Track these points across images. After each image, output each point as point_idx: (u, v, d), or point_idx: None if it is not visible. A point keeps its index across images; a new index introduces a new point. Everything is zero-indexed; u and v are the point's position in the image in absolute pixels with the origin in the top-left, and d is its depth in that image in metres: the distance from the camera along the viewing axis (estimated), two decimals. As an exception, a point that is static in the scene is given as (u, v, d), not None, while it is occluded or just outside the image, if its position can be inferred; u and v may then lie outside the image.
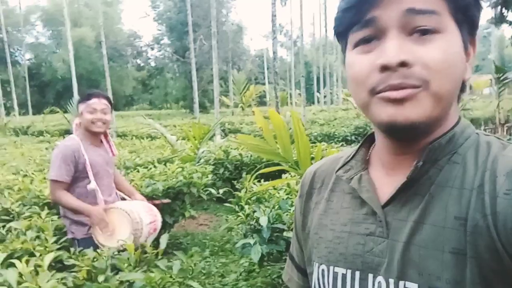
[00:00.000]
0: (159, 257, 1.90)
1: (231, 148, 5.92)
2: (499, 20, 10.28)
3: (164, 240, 1.93)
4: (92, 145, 2.49)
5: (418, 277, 0.53)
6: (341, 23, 0.58)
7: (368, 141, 0.69)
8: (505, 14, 10.14)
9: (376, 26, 0.53)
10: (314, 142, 7.59)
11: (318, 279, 0.65)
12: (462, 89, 0.59)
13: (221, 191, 3.95)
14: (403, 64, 0.51)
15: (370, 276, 0.58)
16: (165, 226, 3.58)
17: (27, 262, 1.64)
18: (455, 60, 0.53)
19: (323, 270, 0.65)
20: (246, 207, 2.64)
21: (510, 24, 10.42)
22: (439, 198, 0.54)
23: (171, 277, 1.66)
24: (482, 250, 0.49)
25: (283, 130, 2.04)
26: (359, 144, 0.70)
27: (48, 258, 1.67)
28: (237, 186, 3.60)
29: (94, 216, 2.29)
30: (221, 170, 5.55)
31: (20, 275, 1.58)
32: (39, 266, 1.66)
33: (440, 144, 0.56)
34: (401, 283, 0.54)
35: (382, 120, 0.54)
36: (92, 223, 2.30)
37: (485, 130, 9.64)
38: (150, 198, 3.03)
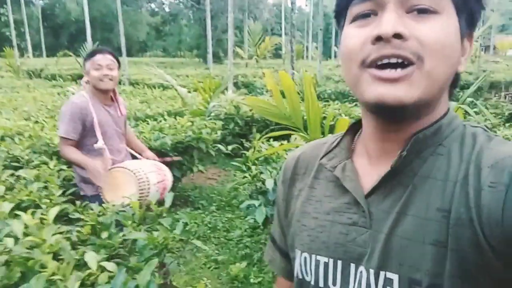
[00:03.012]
0: (164, 215, 1.91)
1: (242, 103, 5.85)
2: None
3: (168, 199, 1.93)
4: (101, 103, 2.46)
5: (398, 268, 0.53)
6: None
7: (353, 129, 0.68)
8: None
9: (376, 1, 0.53)
10: (327, 101, 7.45)
11: (301, 266, 0.66)
12: (455, 84, 0.59)
13: (230, 147, 3.92)
14: (398, 36, 0.50)
15: (352, 265, 0.58)
16: (174, 180, 3.60)
17: (32, 214, 1.66)
18: (451, 42, 0.52)
19: (305, 258, 0.65)
20: (253, 167, 2.61)
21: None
22: (422, 189, 0.54)
23: (174, 236, 1.67)
24: (465, 243, 0.49)
25: (293, 94, 1.96)
26: (343, 132, 0.69)
27: (53, 212, 1.68)
28: (245, 145, 3.56)
29: (89, 169, 2.28)
30: (231, 125, 5.52)
31: (26, 226, 1.61)
32: (45, 218, 1.68)
33: (425, 135, 0.56)
34: (382, 273, 0.55)
35: (370, 98, 0.53)
36: (89, 175, 2.30)
37: (505, 96, 9.30)
38: (160, 154, 3.00)
